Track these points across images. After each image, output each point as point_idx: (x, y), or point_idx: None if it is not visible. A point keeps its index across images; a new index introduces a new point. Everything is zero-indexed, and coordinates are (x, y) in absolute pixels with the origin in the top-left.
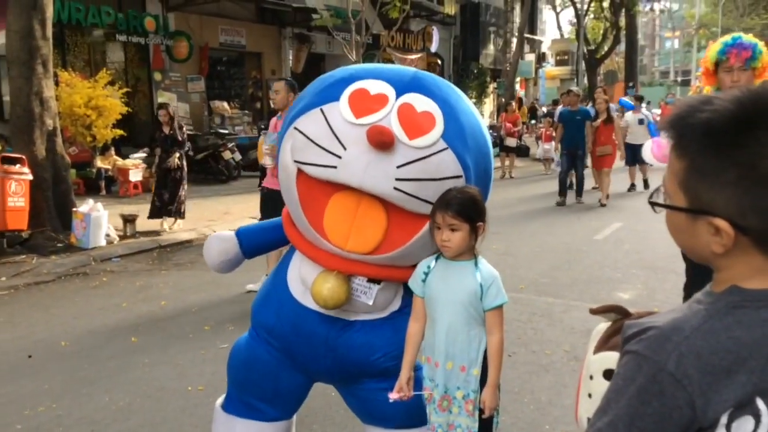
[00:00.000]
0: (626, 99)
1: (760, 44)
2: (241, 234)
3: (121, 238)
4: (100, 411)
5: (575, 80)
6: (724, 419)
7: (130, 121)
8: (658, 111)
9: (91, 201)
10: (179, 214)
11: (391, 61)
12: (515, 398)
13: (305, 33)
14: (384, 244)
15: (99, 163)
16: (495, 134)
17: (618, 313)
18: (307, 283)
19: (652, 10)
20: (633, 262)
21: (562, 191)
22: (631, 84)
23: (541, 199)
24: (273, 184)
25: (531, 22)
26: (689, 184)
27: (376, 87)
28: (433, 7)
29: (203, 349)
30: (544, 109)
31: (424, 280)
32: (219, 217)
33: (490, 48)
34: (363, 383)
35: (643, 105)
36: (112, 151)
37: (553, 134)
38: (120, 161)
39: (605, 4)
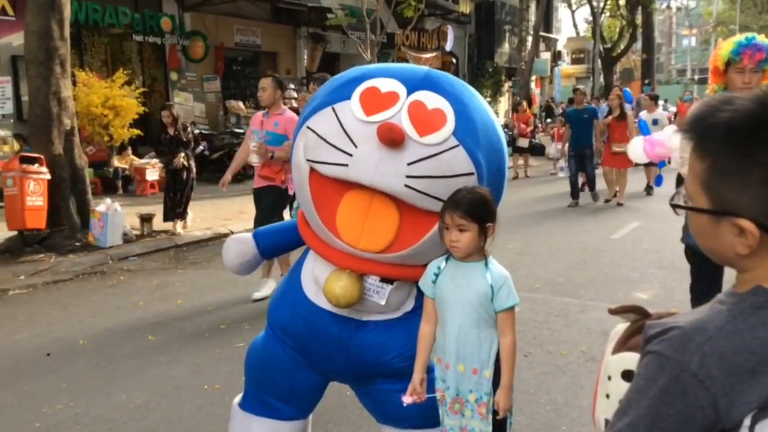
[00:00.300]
0: (627, 90)
1: None
2: (258, 236)
3: (138, 237)
4: (118, 409)
5: (591, 79)
6: (747, 421)
7: (146, 120)
8: (674, 109)
9: (108, 200)
10: (184, 214)
11: (405, 60)
12: (531, 399)
13: (320, 32)
14: (396, 242)
15: (116, 162)
16: (509, 133)
17: (637, 314)
18: (320, 282)
19: (668, 7)
20: (651, 262)
21: (575, 193)
22: (647, 81)
23: (556, 198)
24: (260, 184)
25: (546, 20)
26: (712, 185)
27: (387, 85)
28: (448, 6)
29: (219, 347)
30: (561, 108)
31: (434, 281)
32: (234, 216)
33: (505, 46)
34: (377, 383)
35: (660, 103)
36: (129, 150)
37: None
38: (137, 160)
39: (621, 2)
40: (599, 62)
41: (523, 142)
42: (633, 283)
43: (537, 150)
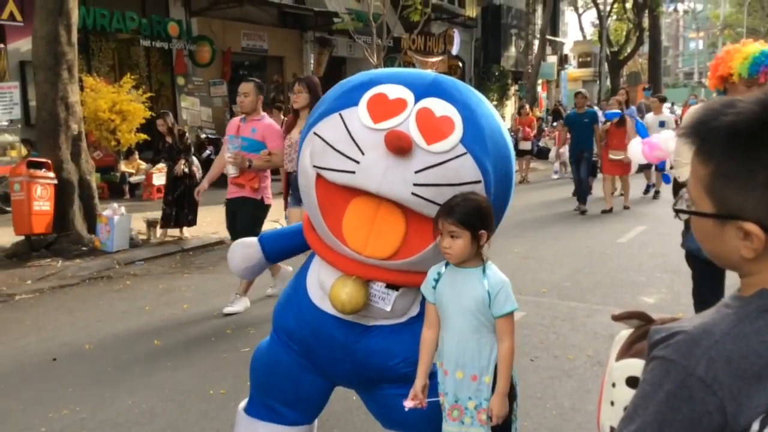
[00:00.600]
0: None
1: None
2: (263, 240)
3: (145, 241)
4: (123, 414)
5: (598, 82)
6: (756, 426)
7: (153, 125)
8: (680, 112)
9: (115, 205)
10: (193, 221)
11: (412, 64)
12: (537, 403)
13: (326, 37)
14: (402, 249)
15: (123, 167)
16: (514, 137)
17: (640, 320)
18: (326, 287)
19: (675, 10)
20: (657, 266)
21: (581, 198)
22: (647, 86)
23: (562, 202)
24: (234, 193)
25: (553, 23)
26: (715, 189)
27: (394, 91)
28: (454, 10)
29: (225, 352)
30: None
31: (434, 287)
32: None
33: (512, 50)
34: (382, 388)
35: (666, 106)
36: (136, 155)
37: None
38: (144, 165)
39: (628, 5)
40: (606, 66)
41: (526, 145)
42: (640, 287)
43: (543, 153)
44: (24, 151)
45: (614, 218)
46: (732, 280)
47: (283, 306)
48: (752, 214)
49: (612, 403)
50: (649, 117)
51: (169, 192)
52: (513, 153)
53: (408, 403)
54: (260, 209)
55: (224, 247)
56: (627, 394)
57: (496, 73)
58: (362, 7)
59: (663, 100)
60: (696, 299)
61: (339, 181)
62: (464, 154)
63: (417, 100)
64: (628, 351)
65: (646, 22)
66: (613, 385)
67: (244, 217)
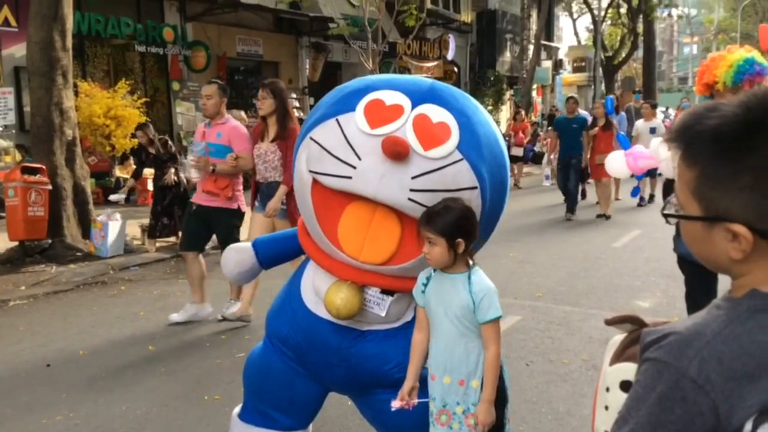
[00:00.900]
0: (611, 97)
1: (766, 63)
2: (257, 245)
3: (139, 247)
4: (117, 420)
5: (592, 87)
6: (748, 426)
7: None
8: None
9: (109, 210)
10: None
11: (407, 69)
12: (533, 408)
13: (322, 42)
14: (398, 255)
15: (118, 172)
16: (507, 142)
17: (634, 324)
18: (321, 292)
19: (669, 15)
20: (652, 270)
21: (570, 208)
22: (637, 89)
23: (557, 207)
24: (205, 201)
25: (548, 28)
26: (702, 192)
27: (391, 97)
28: (449, 15)
29: (220, 358)
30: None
31: (423, 291)
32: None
33: (507, 55)
34: (377, 394)
35: (661, 110)
36: (131, 160)
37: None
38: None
39: (623, 11)
40: (600, 70)
41: (518, 151)
42: (634, 292)
43: (539, 158)
44: (18, 156)
45: (609, 223)
46: (724, 285)
47: (276, 312)
48: (739, 216)
49: (606, 408)
50: (640, 123)
51: (158, 202)
52: (508, 161)
53: (395, 404)
54: (238, 218)
55: (218, 253)
56: (621, 399)
57: (492, 78)
58: (358, 13)
59: (654, 106)
60: (689, 303)
61: (335, 186)
62: (460, 160)
63: (414, 106)
64: (621, 355)
65: (640, 27)
66: (607, 389)
67: (224, 228)
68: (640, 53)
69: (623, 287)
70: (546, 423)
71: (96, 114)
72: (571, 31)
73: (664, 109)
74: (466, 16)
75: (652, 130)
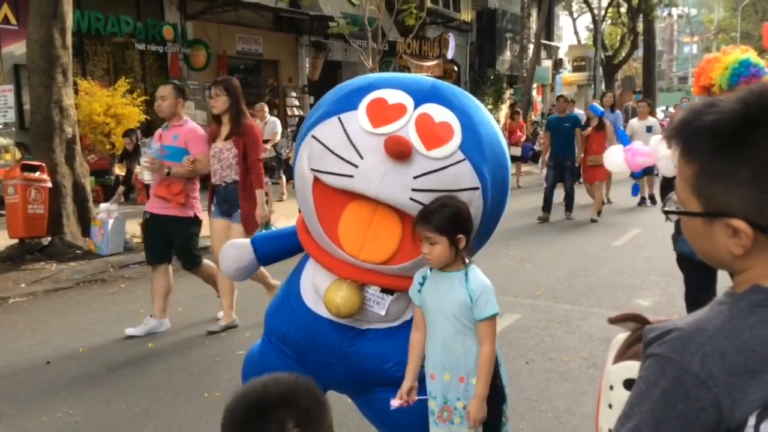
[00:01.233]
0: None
1: (762, 63)
2: (256, 241)
3: (139, 245)
4: (117, 417)
5: (592, 86)
6: (752, 420)
7: (148, 128)
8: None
9: (106, 205)
10: None
11: (407, 68)
12: (533, 406)
13: (322, 41)
14: (398, 254)
15: (117, 170)
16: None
17: (637, 322)
18: (320, 291)
19: (670, 15)
20: (652, 269)
21: (546, 207)
22: (637, 90)
23: (557, 206)
24: (159, 208)
25: (548, 28)
26: (702, 188)
27: (394, 96)
28: (449, 14)
29: (219, 355)
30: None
31: (419, 291)
32: None
33: (507, 54)
34: (376, 392)
35: (661, 109)
36: (124, 163)
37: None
38: (138, 168)
39: (623, 10)
40: (600, 70)
41: (515, 151)
42: (634, 290)
43: (537, 157)
44: (18, 154)
45: (609, 222)
46: (723, 283)
47: (275, 309)
48: (739, 211)
49: (610, 406)
50: (635, 122)
51: None
52: (509, 161)
53: (394, 403)
54: (195, 225)
55: (217, 252)
56: (625, 397)
57: (491, 77)
58: (357, 11)
59: (650, 105)
60: (688, 302)
61: (337, 184)
62: (463, 160)
63: (416, 105)
64: (625, 353)
65: (640, 27)
66: (611, 387)
67: (180, 239)
68: (640, 52)
69: (623, 286)
70: (546, 421)
71: (96, 112)
72: (571, 31)
73: (664, 108)
74: (466, 15)
75: (648, 129)
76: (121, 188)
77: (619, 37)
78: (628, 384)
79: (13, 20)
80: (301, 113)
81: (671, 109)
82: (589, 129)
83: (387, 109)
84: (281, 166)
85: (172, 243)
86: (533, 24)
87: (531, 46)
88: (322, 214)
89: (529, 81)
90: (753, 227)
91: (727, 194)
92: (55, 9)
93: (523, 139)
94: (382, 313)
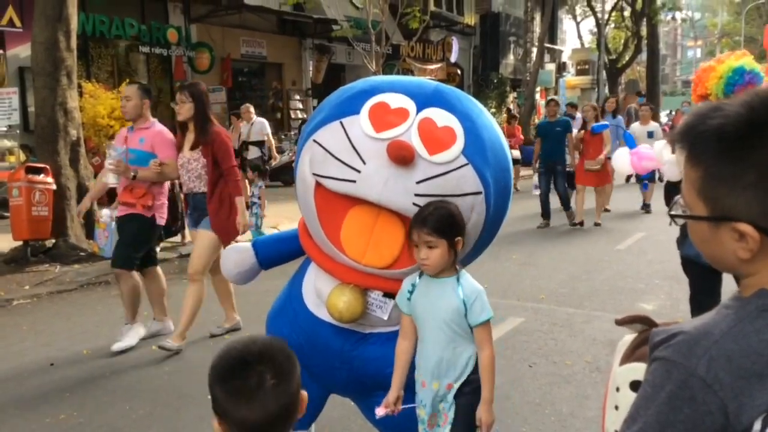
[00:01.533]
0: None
1: (759, 68)
2: (257, 245)
3: None
4: (121, 419)
5: (596, 90)
6: (758, 425)
7: None
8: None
9: (106, 211)
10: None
11: (410, 72)
12: (536, 409)
13: (325, 44)
14: (401, 258)
15: None
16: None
17: (644, 324)
18: (323, 295)
19: (673, 19)
20: (656, 272)
21: (545, 214)
22: (642, 93)
23: (560, 210)
24: (123, 211)
25: (551, 31)
26: (708, 192)
27: (396, 101)
28: (453, 18)
29: None
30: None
31: (409, 298)
32: None
33: (510, 58)
34: (379, 396)
35: (665, 113)
36: None
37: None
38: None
39: (626, 14)
40: (604, 73)
41: (514, 154)
42: (638, 294)
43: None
44: (22, 156)
45: (612, 225)
46: (727, 288)
47: (277, 313)
48: (745, 215)
49: (616, 408)
50: (636, 126)
51: None
52: (511, 165)
53: (380, 411)
54: (148, 228)
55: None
56: (631, 399)
57: (495, 81)
58: (361, 15)
59: (653, 110)
60: (693, 306)
61: (339, 190)
62: (465, 165)
63: (419, 109)
64: (631, 355)
65: (644, 31)
66: (617, 389)
67: (127, 233)
68: (643, 56)
69: (627, 289)
70: (549, 425)
71: (100, 114)
72: (575, 34)
73: (668, 112)
74: (470, 19)
75: (650, 134)
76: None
77: (622, 41)
78: (635, 386)
79: (18, 23)
80: (305, 116)
81: (674, 113)
82: (582, 132)
83: (389, 114)
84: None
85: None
86: (537, 27)
87: (534, 50)
88: (324, 218)
89: (532, 84)
90: (760, 231)
91: (733, 198)
92: (60, 12)
93: (522, 143)
94: (385, 317)
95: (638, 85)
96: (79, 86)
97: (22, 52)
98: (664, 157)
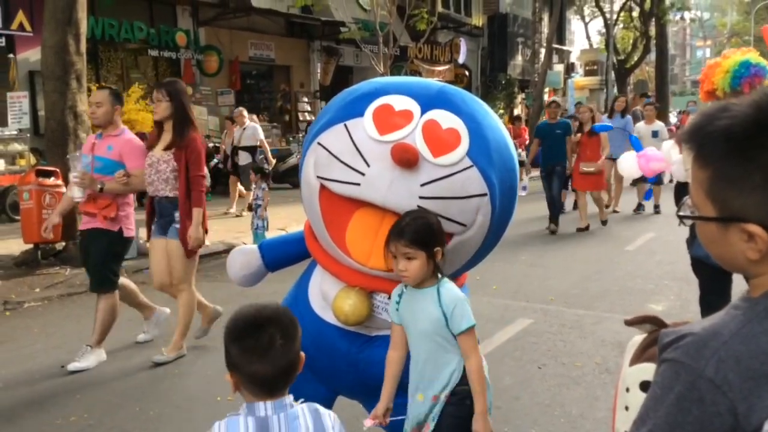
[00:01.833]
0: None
1: (764, 63)
2: (263, 247)
3: None
4: (131, 421)
5: (605, 90)
6: (767, 426)
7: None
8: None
9: None
10: None
11: (418, 73)
12: (546, 411)
13: (333, 46)
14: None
15: None
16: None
17: (653, 324)
18: (329, 298)
19: (682, 18)
20: (666, 273)
21: (553, 216)
22: (648, 94)
23: (569, 212)
24: (86, 223)
25: (559, 32)
26: (716, 193)
27: (400, 103)
28: (460, 19)
29: None
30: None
31: (397, 309)
32: (247, 228)
33: (518, 59)
34: None
35: (673, 112)
36: None
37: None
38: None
39: (635, 14)
40: (613, 74)
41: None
42: (648, 295)
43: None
44: (33, 160)
45: (622, 226)
46: (738, 289)
47: None
48: (754, 216)
49: (626, 408)
50: (641, 126)
51: None
52: (517, 166)
53: (368, 423)
54: (118, 243)
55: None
56: (641, 399)
57: (503, 82)
58: (369, 17)
59: (658, 109)
60: (703, 306)
61: (344, 192)
62: (470, 167)
63: (423, 111)
64: (641, 356)
65: (652, 31)
66: (627, 390)
67: (97, 252)
68: (652, 56)
69: (636, 290)
70: (559, 426)
71: None
72: (583, 35)
73: (677, 112)
74: (478, 20)
75: (654, 134)
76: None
77: (631, 41)
78: (645, 386)
79: (28, 27)
80: (313, 118)
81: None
82: (579, 135)
83: (393, 116)
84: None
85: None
86: (545, 28)
87: (543, 51)
88: (329, 221)
89: (540, 85)
90: None
91: (741, 199)
92: (70, 16)
93: (528, 143)
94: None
95: (647, 85)
96: (89, 90)
97: (32, 56)
98: (672, 158)
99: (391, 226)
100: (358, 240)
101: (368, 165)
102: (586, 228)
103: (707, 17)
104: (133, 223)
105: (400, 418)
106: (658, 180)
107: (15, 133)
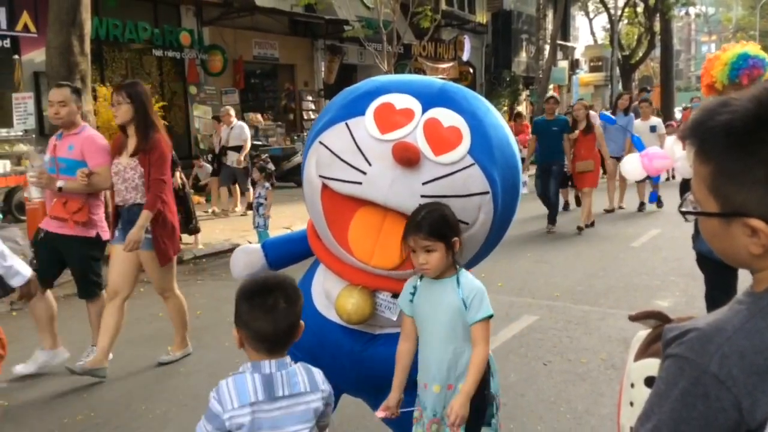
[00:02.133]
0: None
1: (764, 55)
2: (266, 246)
3: None
4: (137, 419)
5: (609, 86)
6: None
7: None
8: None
9: None
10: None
11: (422, 71)
12: (551, 407)
13: (337, 44)
14: (409, 259)
15: None
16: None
17: (658, 319)
18: (332, 297)
19: (687, 14)
20: (671, 270)
21: (551, 217)
22: (647, 87)
23: (572, 209)
24: (55, 227)
25: (564, 28)
26: (718, 188)
27: (401, 101)
28: (464, 16)
29: (238, 358)
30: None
31: (411, 300)
32: (252, 227)
33: (523, 55)
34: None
35: (678, 109)
36: None
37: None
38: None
39: (639, 9)
40: (617, 70)
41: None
42: (653, 291)
43: None
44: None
45: (627, 222)
46: (744, 284)
47: None
48: (756, 210)
49: (631, 404)
50: (638, 123)
51: None
52: (520, 163)
53: (380, 414)
54: (96, 248)
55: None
56: (646, 395)
57: (507, 79)
58: (372, 15)
59: (651, 103)
60: (709, 302)
61: (346, 191)
62: (472, 165)
63: (424, 110)
64: (646, 351)
65: (657, 26)
66: (632, 385)
67: (76, 261)
68: (657, 52)
69: (642, 286)
70: (564, 422)
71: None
72: (588, 31)
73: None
74: (481, 17)
75: (652, 129)
76: None
77: (636, 37)
78: (649, 382)
79: (32, 28)
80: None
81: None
82: (577, 132)
83: (395, 115)
84: (244, 178)
85: (64, 265)
86: (549, 25)
87: (547, 47)
88: (331, 220)
89: (545, 82)
90: None
91: (743, 193)
92: (74, 16)
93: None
94: (394, 318)
95: (652, 81)
96: (94, 90)
97: (37, 57)
98: (677, 154)
99: (392, 224)
100: (360, 239)
101: (370, 164)
102: (592, 224)
103: (712, 12)
104: (105, 225)
105: (408, 410)
106: (658, 181)
107: (20, 133)
